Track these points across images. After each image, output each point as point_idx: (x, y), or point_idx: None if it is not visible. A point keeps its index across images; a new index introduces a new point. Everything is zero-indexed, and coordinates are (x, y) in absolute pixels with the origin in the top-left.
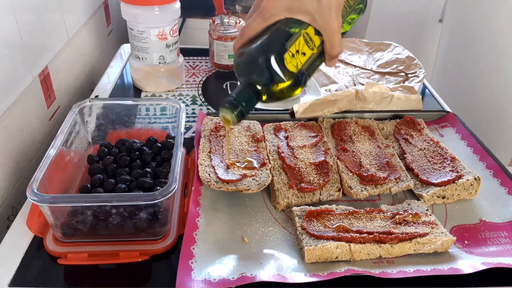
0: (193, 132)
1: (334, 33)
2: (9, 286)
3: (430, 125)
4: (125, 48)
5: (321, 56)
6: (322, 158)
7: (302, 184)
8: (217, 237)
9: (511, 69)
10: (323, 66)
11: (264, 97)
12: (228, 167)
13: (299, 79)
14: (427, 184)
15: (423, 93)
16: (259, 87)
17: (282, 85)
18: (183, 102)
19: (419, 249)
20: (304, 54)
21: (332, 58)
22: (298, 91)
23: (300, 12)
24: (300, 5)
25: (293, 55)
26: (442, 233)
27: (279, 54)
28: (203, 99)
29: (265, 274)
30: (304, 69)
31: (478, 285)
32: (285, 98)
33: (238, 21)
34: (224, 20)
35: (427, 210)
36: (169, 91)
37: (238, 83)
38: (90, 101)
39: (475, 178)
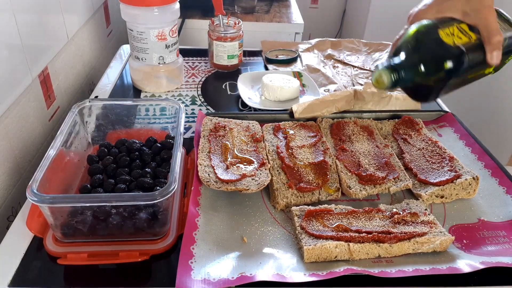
0: (193, 132)
1: (488, 19)
2: (9, 286)
3: (429, 125)
4: (125, 49)
5: (482, 49)
6: (321, 158)
7: (301, 184)
8: (216, 237)
9: (509, 69)
10: (321, 67)
11: (421, 69)
12: (227, 167)
13: (458, 58)
14: (425, 183)
15: None
16: (419, 62)
17: (439, 61)
18: (183, 102)
19: (418, 249)
20: (460, 38)
21: (493, 49)
22: (455, 73)
23: (451, 10)
24: (450, 5)
25: (447, 34)
26: (440, 232)
27: (435, 29)
28: (202, 99)
29: (265, 273)
30: (463, 48)
31: (476, 284)
32: (443, 80)
33: (237, 22)
34: (223, 21)
35: (425, 209)
36: (168, 91)
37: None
38: (89, 102)
39: (473, 178)
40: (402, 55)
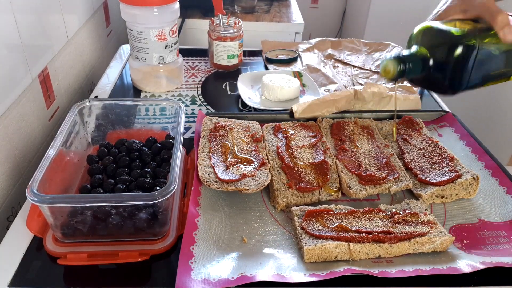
0: (193, 132)
1: (486, 4)
2: (9, 286)
3: (429, 125)
4: (125, 49)
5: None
6: (321, 158)
7: (302, 184)
8: (216, 237)
9: None
10: (321, 67)
11: (431, 62)
12: (227, 167)
13: (466, 49)
14: (426, 183)
15: (421, 93)
16: (426, 53)
17: (447, 51)
18: (183, 102)
19: (418, 249)
20: (468, 24)
21: (501, 27)
22: (464, 62)
23: (451, 12)
24: (449, 8)
25: (453, 26)
26: (441, 232)
27: (442, 23)
28: (202, 99)
29: (265, 273)
30: (471, 35)
31: (477, 284)
32: (449, 73)
33: (237, 22)
34: (223, 20)
35: (426, 209)
36: (168, 91)
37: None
38: (89, 102)
39: (473, 178)
40: (411, 47)
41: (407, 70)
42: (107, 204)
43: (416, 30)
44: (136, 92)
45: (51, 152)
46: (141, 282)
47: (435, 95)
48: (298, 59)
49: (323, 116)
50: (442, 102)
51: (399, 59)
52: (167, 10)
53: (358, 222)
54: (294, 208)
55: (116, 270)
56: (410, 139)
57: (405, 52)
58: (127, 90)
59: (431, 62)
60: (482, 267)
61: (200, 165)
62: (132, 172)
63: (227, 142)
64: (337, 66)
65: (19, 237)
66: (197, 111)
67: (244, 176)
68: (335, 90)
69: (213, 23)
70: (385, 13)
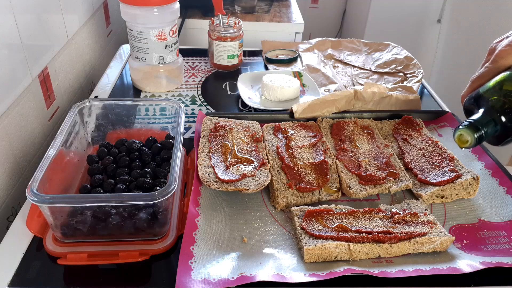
0: (193, 132)
1: None
2: (9, 286)
3: (429, 125)
4: (125, 49)
5: None
6: (321, 158)
7: (301, 184)
8: (216, 237)
9: None
10: (321, 67)
11: (504, 119)
12: (227, 167)
13: None
14: (426, 183)
15: (421, 93)
16: (499, 115)
17: None
18: (183, 102)
19: (418, 249)
20: None
21: None
22: None
23: None
24: None
25: None
26: (441, 232)
27: None
28: (202, 99)
29: (265, 273)
30: None
31: (477, 284)
32: None
33: (237, 22)
34: (224, 20)
35: (426, 209)
36: (168, 91)
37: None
38: (89, 102)
39: (473, 178)
40: (485, 112)
41: (484, 135)
42: (107, 204)
43: (493, 82)
44: (136, 92)
45: (51, 152)
46: (141, 282)
47: (435, 95)
48: (298, 59)
49: (323, 116)
50: (442, 102)
51: (473, 126)
52: (167, 10)
53: (358, 222)
54: (294, 208)
55: (116, 270)
56: (410, 139)
57: (476, 117)
58: (127, 90)
59: (503, 119)
60: (482, 267)
61: (200, 165)
62: (132, 172)
63: (227, 142)
64: (337, 66)
65: (19, 237)
66: (197, 111)
67: (244, 176)
68: (335, 90)
69: (213, 23)
70: (385, 13)
